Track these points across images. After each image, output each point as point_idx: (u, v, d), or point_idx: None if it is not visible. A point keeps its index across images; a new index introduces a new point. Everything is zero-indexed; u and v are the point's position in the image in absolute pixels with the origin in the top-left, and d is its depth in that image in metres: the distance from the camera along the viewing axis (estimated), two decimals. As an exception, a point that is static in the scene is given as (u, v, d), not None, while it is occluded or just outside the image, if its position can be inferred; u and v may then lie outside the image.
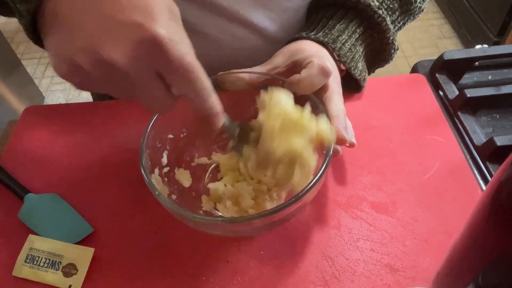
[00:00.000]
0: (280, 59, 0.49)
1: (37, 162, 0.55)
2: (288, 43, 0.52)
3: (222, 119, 0.37)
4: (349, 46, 0.52)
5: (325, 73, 0.44)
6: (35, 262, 0.44)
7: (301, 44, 0.49)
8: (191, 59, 0.31)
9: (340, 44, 0.51)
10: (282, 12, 0.58)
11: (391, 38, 0.55)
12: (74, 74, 0.30)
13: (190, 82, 0.31)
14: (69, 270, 0.44)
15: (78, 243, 0.46)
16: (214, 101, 0.35)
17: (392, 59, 0.58)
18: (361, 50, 0.54)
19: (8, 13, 0.40)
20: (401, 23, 0.58)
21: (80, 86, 0.32)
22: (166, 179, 0.46)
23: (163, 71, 0.31)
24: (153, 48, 0.29)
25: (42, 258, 0.44)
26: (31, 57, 2.19)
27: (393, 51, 0.56)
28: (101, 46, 0.28)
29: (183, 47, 0.30)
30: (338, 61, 0.52)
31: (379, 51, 0.57)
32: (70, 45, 0.29)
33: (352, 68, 0.53)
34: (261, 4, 0.55)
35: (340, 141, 0.43)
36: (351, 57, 0.52)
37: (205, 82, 0.33)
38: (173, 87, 0.33)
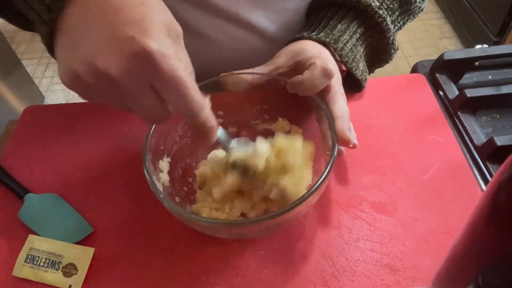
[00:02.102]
0: (282, 60, 0.49)
1: (37, 162, 0.55)
2: (290, 43, 0.52)
3: (216, 134, 0.37)
4: (350, 47, 0.52)
5: (327, 74, 0.44)
6: (35, 262, 0.44)
7: (303, 45, 0.49)
8: (182, 74, 0.31)
9: (342, 44, 0.51)
10: (281, 12, 0.58)
11: (392, 38, 0.55)
12: (76, 84, 0.32)
13: (180, 96, 0.32)
14: (69, 270, 0.44)
15: (78, 243, 0.46)
16: (207, 115, 0.34)
17: (392, 59, 0.58)
18: (361, 50, 0.54)
19: (23, 25, 0.43)
20: (401, 23, 0.58)
21: (83, 96, 0.34)
22: (169, 182, 0.46)
23: (155, 84, 0.31)
24: (145, 62, 0.30)
25: (42, 258, 0.44)
26: (31, 57, 2.19)
27: (393, 51, 0.56)
28: (97, 58, 0.29)
29: (175, 62, 0.31)
30: (339, 61, 0.52)
31: (379, 51, 0.57)
32: (73, 56, 0.31)
33: (354, 68, 0.53)
34: (260, 5, 0.55)
35: (344, 142, 0.43)
36: (352, 57, 0.52)
37: (196, 96, 0.33)
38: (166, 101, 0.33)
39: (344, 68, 0.54)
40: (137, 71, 0.30)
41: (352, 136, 0.44)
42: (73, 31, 0.31)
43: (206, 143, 0.37)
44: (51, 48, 0.35)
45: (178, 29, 0.33)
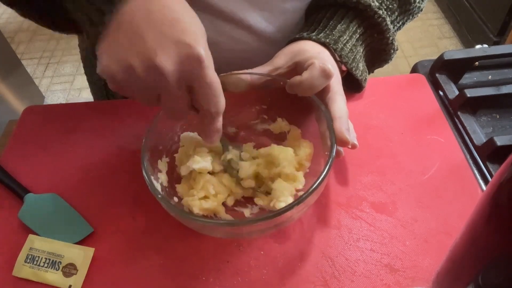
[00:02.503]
0: (281, 60, 0.49)
1: (37, 162, 0.55)
2: (289, 43, 0.52)
3: (219, 137, 0.42)
4: (350, 47, 0.52)
5: (326, 75, 0.44)
6: (35, 262, 0.44)
7: (303, 45, 0.49)
8: (218, 81, 0.37)
9: (342, 45, 0.51)
10: (280, 13, 0.57)
11: (391, 38, 0.55)
12: (122, 74, 0.36)
13: (213, 100, 0.38)
14: (69, 270, 0.44)
15: (78, 243, 0.46)
16: (221, 120, 0.40)
17: (391, 59, 0.58)
18: (361, 50, 0.54)
19: (65, 29, 0.49)
20: (400, 23, 0.58)
21: (117, 86, 0.38)
22: (167, 182, 0.46)
23: (195, 85, 0.37)
24: (195, 64, 0.35)
25: (42, 258, 0.44)
26: (31, 57, 2.19)
27: (392, 51, 0.56)
28: (156, 55, 0.34)
29: (213, 70, 0.37)
30: (339, 61, 0.52)
31: (379, 51, 0.57)
32: (129, 50, 0.35)
33: (354, 68, 0.53)
34: (258, 6, 0.55)
35: (343, 142, 0.43)
36: (352, 57, 0.52)
37: (222, 102, 0.39)
38: (196, 101, 0.38)
39: (344, 68, 0.54)
40: (185, 72, 0.35)
41: (352, 136, 0.44)
42: (128, 28, 0.36)
43: (210, 144, 0.42)
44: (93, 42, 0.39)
45: (205, 37, 0.39)
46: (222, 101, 0.39)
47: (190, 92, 0.38)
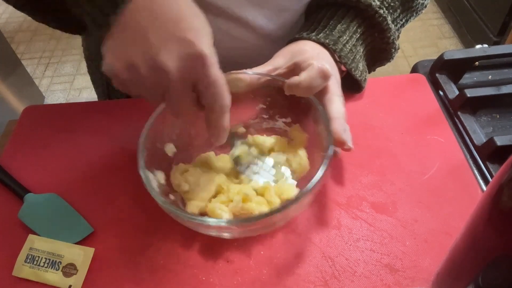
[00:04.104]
0: (280, 60, 0.49)
1: (37, 162, 0.55)
2: (289, 43, 0.52)
3: (227, 135, 0.41)
4: (350, 47, 0.52)
5: (324, 75, 0.44)
6: (35, 262, 0.44)
7: (302, 45, 0.49)
8: (222, 78, 0.37)
9: (341, 46, 0.51)
10: (279, 11, 0.57)
11: (392, 37, 0.54)
12: (126, 72, 0.36)
13: (218, 95, 0.37)
14: (69, 270, 0.44)
15: (78, 243, 0.46)
16: (228, 118, 0.39)
17: (393, 58, 0.58)
18: (361, 50, 0.54)
19: (75, 30, 0.51)
20: (403, 20, 0.57)
21: (122, 84, 0.38)
22: (165, 180, 0.46)
23: (199, 83, 0.37)
24: (198, 62, 0.35)
25: (42, 258, 0.44)
26: (31, 57, 2.19)
27: (393, 50, 0.56)
28: (158, 53, 0.34)
29: (217, 67, 0.37)
30: (339, 62, 0.52)
31: (379, 51, 0.57)
32: (133, 48, 0.36)
33: (353, 69, 0.53)
34: (258, 3, 0.55)
35: (340, 143, 0.43)
36: (352, 58, 0.52)
37: (228, 99, 0.38)
38: (202, 98, 0.38)
39: (343, 68, 0.54)
40: (189, 69, 0.35)
41: (348, 138, 0.44)
42: (133, 28, 0.36)
43: (219, 143, 0.41)
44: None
45: (212, 36, 0.39)
46: (227, 98, 0.38)
47: (195, 89, 0.38)
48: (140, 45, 0.35)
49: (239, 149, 0.48)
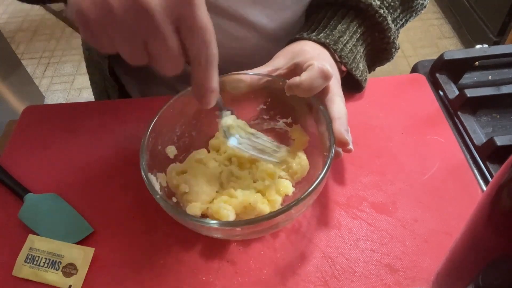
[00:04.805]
0: (281, 61, 0.48)
1: (37, 162, 0.55)
2: (289, 43, 0.52)
3: (215, 98, 0.37)
4: (350, 47, 0.52)
5: (325, 76, 0.44)
6: (35, 262, 0.44)
7: (302, 45, 0.49)
8: (209, 21, 0.33)
9: (342, 45, 0.51)
10: (280, 9, 0.57)
11: (392, 37, 0.54)
12: (96, 12, 0.30)
13: (204, 43, 0.33)
14: (69, 270, 0.44)
15: (78, 243, 0.46)
16: (216, 76, 0.35)
17: (393, 58, 0.58)
18: (362, 50, 0.54)
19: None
20: (403, 20, 0.57)
21: (91, 32, 0.32)
22: (166, 182, 0.46)
23: (184, 25, 0.32)
24: (185, 2, 0.31)
25: (42, 258, 0.44)
26: (31, 57, 2.19)
27: (394, 50, 0.56)
28: None
29: (205, 11, 0.32)
30: (339, 62, 0.52)
31: (380, 51, 0.57)
32: None
33: (354, 69, 0.53)
34: (259, 2, 0.55)
35: (342, 143, 0.43)
36: (352, 58, 0.52)
37: (215, 48, 0.34)
38: (186, 47, 0.33)
39: (344, 68, 0.54)
40: (173, 6, 0.30)
41: (349, 139, 0.44)
42: None
43: (205, 106, 0.37)
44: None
45: None
46: (213, 49, 0.34)
47: (180, 37, 0.33)
48: None
49: (230, 118, 0.45)
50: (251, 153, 0.44)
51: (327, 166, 0.39)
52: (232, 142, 0.44)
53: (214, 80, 0.36)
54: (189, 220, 0.38)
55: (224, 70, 0.48)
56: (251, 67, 0.48)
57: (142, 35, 0.31)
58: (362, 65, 0.55)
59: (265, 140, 0.46)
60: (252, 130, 0.46)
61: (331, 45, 0.50)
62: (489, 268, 0.28)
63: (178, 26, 0.32)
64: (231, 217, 0.42)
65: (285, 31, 0.60)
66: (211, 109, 0.51)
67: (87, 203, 0.50)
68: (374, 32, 0.54)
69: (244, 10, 0.55)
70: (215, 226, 0.38)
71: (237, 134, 0.44)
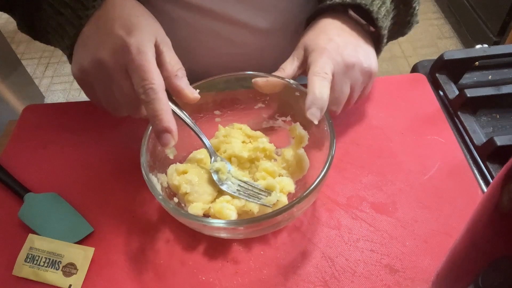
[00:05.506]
0: (299, 53, 0.48)
1: (37, 161, 0.55)
2: (312, 18, 0.51)
3: (172, 139, 0.39)
4: (384, 12, 0.50)
5: (315, 103, 0.42)
6: (35, 262, 0.44)
7: (318, 32, 0.48)
8: (146, 62, 0.39)
9: (377, 8, 0.49)
10: (273, 6, 0.57)
11: (417, 8, 0.54)
12: (81, 76, 0.43)
13: (139, 83, 0.39)
14: (69, 269, 0.44)
15: (78, 242, 0.46)
16: (166, 113, 0.39)
17: (406, 33, 0.57)
18: (389, 25, 0.53)
19: (46, 40, 0.53)
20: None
21: (86, 90, 0.45)
22: (167, 183, 0.46)
23: (129, 70, 0.40)
24: (125, 51, 0.39)
25: (42, 257, 0.44)
26: (31, 57, 2.19)
27: (413, 24, 0.56)
28: (98, 50, 0.41)
29: (147, 56, 0.39)
30: (366, 31, 0.51)
31: (402, 25, 0.56)
32: (83, 52, 0.43)
33: (383, 35, 0.51)
34: (259, 8, 0.55)
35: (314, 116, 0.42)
36: (386, 24, 0.51)
37: (151, 86, 0.38)
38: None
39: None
40: (119, 58, 0.40)
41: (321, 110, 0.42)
42: (86, 37, 0.43)
43: (163, 146, 0.40)
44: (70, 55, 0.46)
45: (166, 39, 0.43)
46: (150, 85, 0.38)
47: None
48: (86, 51, 0.42)
49: (219, 163, 0.46)
50: (242, 198, 0.44)
51: (328, 163, 0.39)
52: (224, 187, 0.45)
53: (164, 119, 0.38)
54: (193, 220, 0.38)
55: (226, 70, 0.48)
56: (252, 68, 0.48)
57: (107, 83, 0.41)
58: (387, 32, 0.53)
59: (254, 187, 0.45)
60: (245, 179, 0.46)
61: (368, 6, 0.48)
62: (489, 269, 0.28)
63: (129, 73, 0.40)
64: (234, 216, 0.42)
65: (281, 27, 0.59)
66: (211, 109, 0.52)
67: (87, 203, 0.50)
68: (399, 4, 0.53)
69: (233, 11, 0.55)
70: (219, 225, 0.38)
71: (229, 181, 0.45)
